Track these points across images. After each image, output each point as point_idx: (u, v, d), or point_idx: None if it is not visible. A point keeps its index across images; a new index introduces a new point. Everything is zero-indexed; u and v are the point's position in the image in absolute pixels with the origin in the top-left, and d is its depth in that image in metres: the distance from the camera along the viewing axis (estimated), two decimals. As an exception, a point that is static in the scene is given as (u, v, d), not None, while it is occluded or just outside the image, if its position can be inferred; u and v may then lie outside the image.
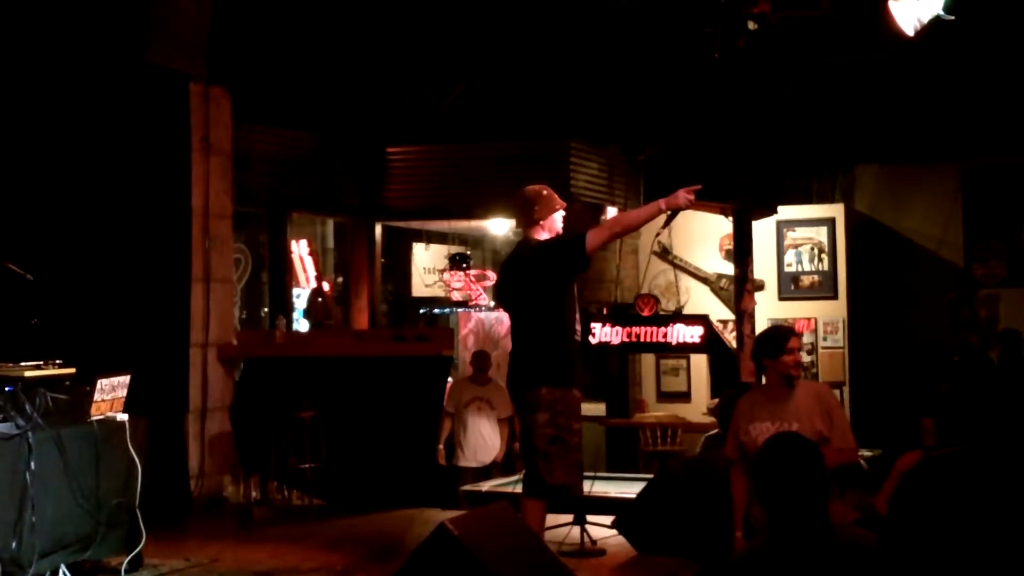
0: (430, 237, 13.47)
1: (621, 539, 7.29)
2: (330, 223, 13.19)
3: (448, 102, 12.11)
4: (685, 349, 10.18)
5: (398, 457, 9.23)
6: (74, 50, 8.85)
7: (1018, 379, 9.60)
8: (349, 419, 9.25)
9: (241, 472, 9.54)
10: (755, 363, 6.12)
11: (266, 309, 11.93)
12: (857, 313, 11.45)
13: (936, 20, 7.23)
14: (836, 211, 11.62)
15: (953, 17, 7.23)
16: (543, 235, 6.45)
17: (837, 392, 10.84)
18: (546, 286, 6.31)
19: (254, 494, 9.39)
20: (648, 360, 12.09)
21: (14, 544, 5.90)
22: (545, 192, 6.54)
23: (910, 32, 7.36)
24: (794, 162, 11.64)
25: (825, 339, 11.30)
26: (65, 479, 6.26)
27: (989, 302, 11.86)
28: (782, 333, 6.13)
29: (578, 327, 6.45)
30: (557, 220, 6.48)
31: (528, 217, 6.49)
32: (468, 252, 13.03)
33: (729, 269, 10.73)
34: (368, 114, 11.95)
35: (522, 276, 6.42)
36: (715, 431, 8.48)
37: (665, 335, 9.56)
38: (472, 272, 12.57)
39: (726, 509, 6.15)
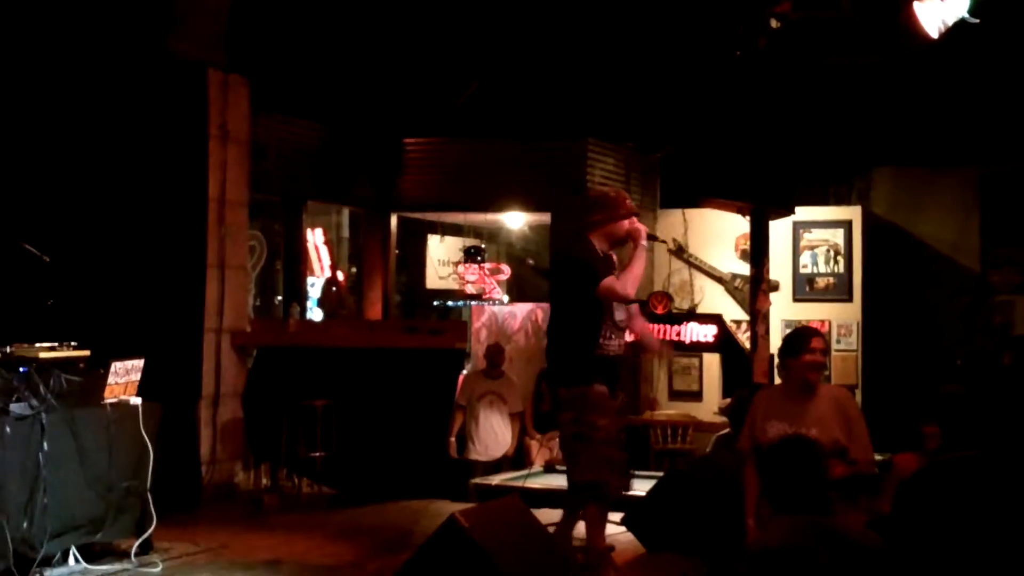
0: (445, 229, 13.47)
1: (630, 536, 7.28)
2: (345, 212, 13.19)
3: (465, 96, 12.10)
4: (698, 348, 10.17)
5: (409, 448, 9.24)
6: (95, 37, 8.88)
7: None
8: (360, 409, 9.26)
9: (252, 459, 9.56)
10: (780, 362, 6.09)
11: (280, 297, 11.94)
12: (872, 316, 11.42)
13: (961, 22, 7.19)
14: (853, 213, 11.58)
15: (978, 20, 7.18)
16: (599, 242, 6.34)
17: (849, 395, 10.83)
18: (565, 298, 6.33)
19: (264, 482, 9.40)
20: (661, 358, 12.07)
21: (25, 524, 5.92)
22: (613, 194, 6.45)
23: (934, 34, 7.33)
24: (811, 163, 11.61)
25: (839, 342, 11.27)
26: (77, 461, 6.29)
27: (1004, 308, 11.82)
28: (807, 333, 6.10)
29: (613, 337, 6.32)
30: (619, 229, 6.33)
31: (586, 219, 6.40)
32: (483, 245, 13.02)
33: (744, 269, 10.72)
34: (385, 105, 11.94)
35: (553, 281, 6.43)
36: (726, 431, 8.46)
37: (678, 333, 9.57)
38: (486, 265, 12.57)
39: (736, 509, 6.15)
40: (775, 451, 3.97)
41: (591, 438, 6.18)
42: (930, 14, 7.18)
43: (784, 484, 3.86)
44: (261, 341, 9.90)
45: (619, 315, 6.32)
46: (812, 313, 11.30)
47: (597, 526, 6.25)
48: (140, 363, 6.64)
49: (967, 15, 7.11)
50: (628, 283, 6.21)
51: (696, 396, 11.72)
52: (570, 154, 11.78)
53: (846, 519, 5.34)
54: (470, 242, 13.17)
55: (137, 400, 6.64)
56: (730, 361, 11.02)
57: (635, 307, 6.57)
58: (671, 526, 7.00)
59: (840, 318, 11.29)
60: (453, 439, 9.84)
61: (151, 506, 6.66)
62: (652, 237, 6.54)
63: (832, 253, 11.39)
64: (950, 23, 7.16)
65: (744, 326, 10.73)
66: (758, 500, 5.75)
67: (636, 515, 7.35)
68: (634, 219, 6.39)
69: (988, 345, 11.34)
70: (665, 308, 10.02)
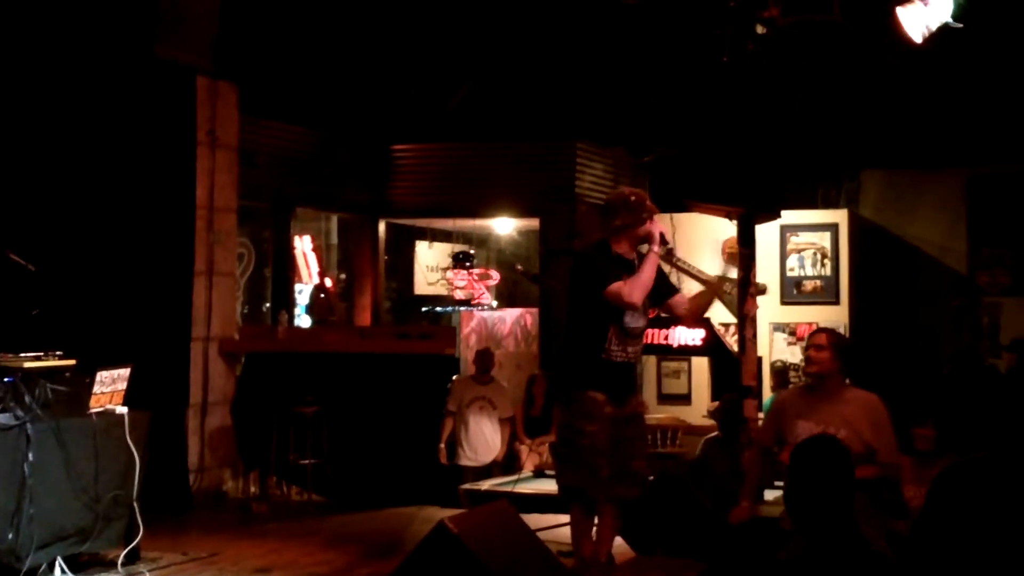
0: (434, 235, 13.46)
1: (619, 540, 7.26)
2: (334, 219, 13.18)
3: (455, 101, 12.09)
4: (687, 352, 10.16)
5: (399, 455, 9.24)
6: (83, 43, 8.87)
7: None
8: (350, 416, 9.26)
9: (241, 467, 9.54)
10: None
11: (268, 304, 11.92)
12: (859, 318, 11.43)
13: (944, 27, 7.19)
14: (840, 216, 11.60)
15: (961, 24, 7.19)
16: (620, 246, 6.10)
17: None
18: (572, 301, 6.22)
19: (253, 489, 9.39)
20: (649, 362, 12.07)
21: (11, 535, 5.90)
22: (633, 199, 6.12)
23: (918, 39, 7.32)
24: (800, 167, 11.62)
25: (827, 344, 11.27)
26: (64, 471, 6.26)
27: (991, 310, 11.86)
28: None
29: (621, 344, 6.12)
30: (641, 232, 6.06)
31: (608, 225, 6.15)
32: (472, 251, 13.02)
33: (732, 272, 10.71)
34: (374, 111, 11.94)
35: (569, 283, 6.29)
36: (715, 434, 8.47)
37: (667, 337, 9.54)
38: (475, 271, 12.56)
39: (725, 511, 6.21)
40: (802, 450, 3.82)
41: (576, 444, 6.08)
42: (913, 19, 7.18)
43: (811, 485, 3.68)
44: (250, 348, 9.89)
45: (634, 322, 6.12)
46: (800, 316, 11.31)
47: (581, 532, 6.20)
48: (126, 372, 6.62)
49: (951, 20, 7.11)
50: (636, 290, 5.94)
51: (685, 399, 11.71)
52: (559, 158, 11.79)
53: (869, 527, 5.33)
54: (459, 248, 13.16)
55: (123, 409, 6.61)
56: (719, 364, 11.02)
57: (678, 295, 6.49)
58: (661, 529, 7.00)
59: (828, 321, 11.28)
60: (443, 445, 9.83)
61: (138, 515, 6.64)
62: (664, 241, 6.18)
63: (819, 256, 11.40)
64: (934, 28, 7.16)
65: (732, 329, 10.72)
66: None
67: (626, 518, 7.34)
68: (654, 221, 6.15)
69: (984, 347, 11.37)
70: (653, 312, 9.99)
